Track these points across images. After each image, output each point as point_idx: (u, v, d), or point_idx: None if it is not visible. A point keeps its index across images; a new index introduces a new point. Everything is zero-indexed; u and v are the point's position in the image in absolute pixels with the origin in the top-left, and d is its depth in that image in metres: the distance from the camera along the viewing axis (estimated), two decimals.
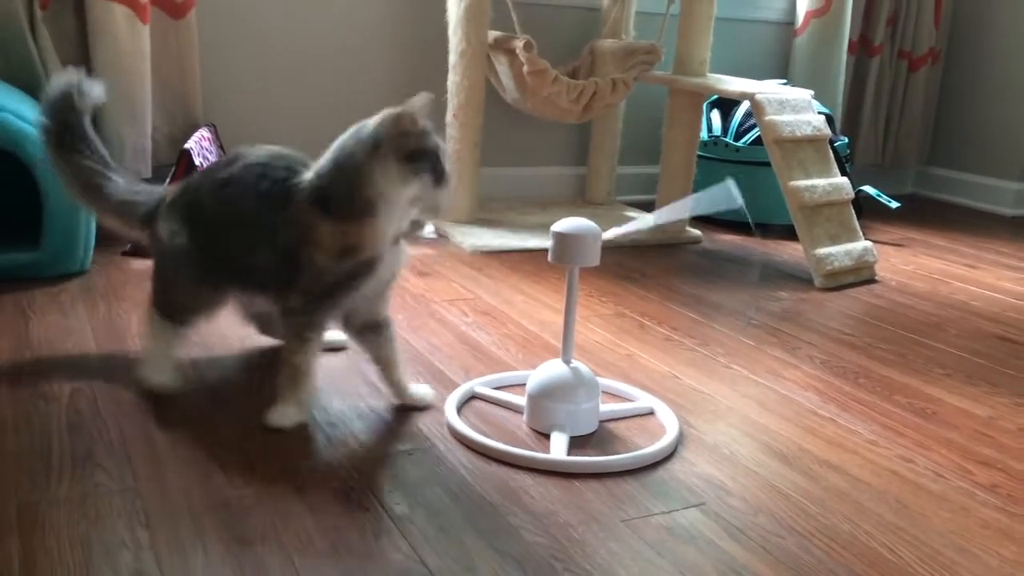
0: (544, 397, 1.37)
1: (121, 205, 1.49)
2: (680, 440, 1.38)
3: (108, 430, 1.30)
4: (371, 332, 1.42)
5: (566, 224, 1.33)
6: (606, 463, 1.28)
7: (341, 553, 1.04)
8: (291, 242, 1.31)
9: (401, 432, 1.36)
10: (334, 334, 1.51)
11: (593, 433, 1.39)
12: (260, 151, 1.40)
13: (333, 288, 1.32)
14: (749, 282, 1.83)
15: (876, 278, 2.40)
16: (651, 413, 1.48)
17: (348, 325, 1.42)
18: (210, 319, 1.46)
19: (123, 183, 1.51)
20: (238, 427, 1.34)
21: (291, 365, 1.35)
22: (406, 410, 1.43)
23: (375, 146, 1.27)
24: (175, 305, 1.43)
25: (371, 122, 1.29)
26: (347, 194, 1.28)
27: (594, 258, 1.33)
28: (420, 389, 1.46)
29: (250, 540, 1.06)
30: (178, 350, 1.47)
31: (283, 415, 1.34)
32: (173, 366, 1.45)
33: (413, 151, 1.27)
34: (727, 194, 1.31)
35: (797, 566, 1.08)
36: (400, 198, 1.29)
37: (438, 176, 1.30)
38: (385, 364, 1.44)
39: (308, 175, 1.34)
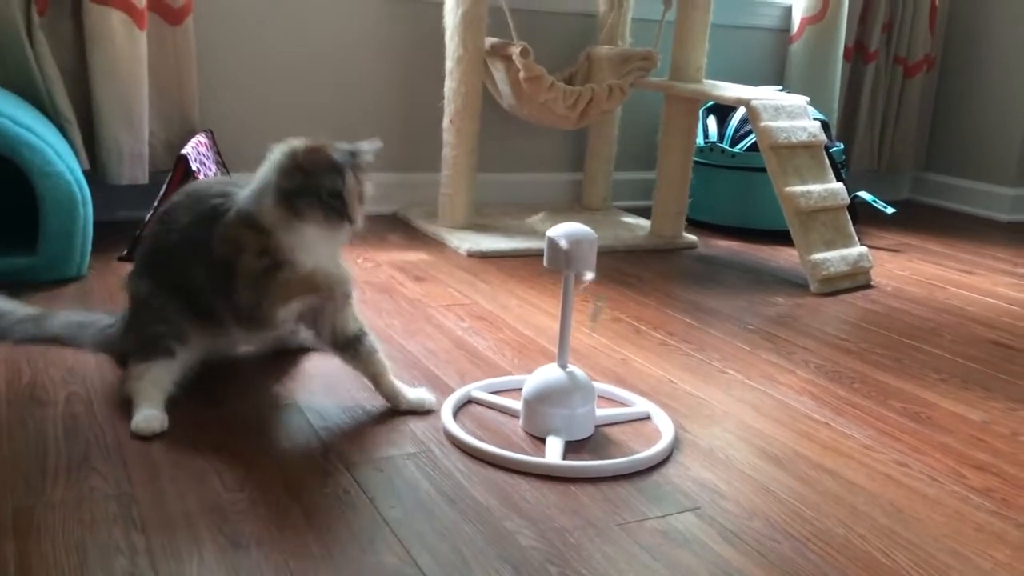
0: (540, 402, 1.38)
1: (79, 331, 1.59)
2: (675, 444, 1.39)
3: (104, 434, 1.30)
4: (350, 348, 1.43)
5: (562, 230, 1.33)
6: (602, 467, 1.29)
7: (336, 557, 1.04)
8: (225, 255, 1.36)
9: (397, 436, 1.36)
10: None
11: (589, 437, 1.39)
12: (201, 181, 1.50)
13: (259, 279, 1.35)
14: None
15: (872, 283, 2.41)
16: (647, 418, 1.48)
17: (324, 342, 1.45)
18: (189, 350, 1.42)
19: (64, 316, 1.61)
20: (233, 431, 1.34)
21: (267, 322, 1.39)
22: (402, 414, 1.43)
23: (274, 178, 1.33)
24: (151, 337, 1.40)
25: (275, 154, 1.35)
26: (258, 213, 1.34)
27: (590, 264, 1.33)
28: (417, 394, 1.46)
29: (245, 544, 1.06)
30: (164, 391, 1.37)
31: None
32: (162, 410, 1.34)
33: (292, 190, 1.31)
34: None
35: (792, 570, 1.08)
36: (293, 231, 1.33)
37: (328, 216, 1.32)
38: (374, 377, 1.44)
39: (240, 194, 1.39)
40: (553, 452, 1.31)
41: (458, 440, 1.34)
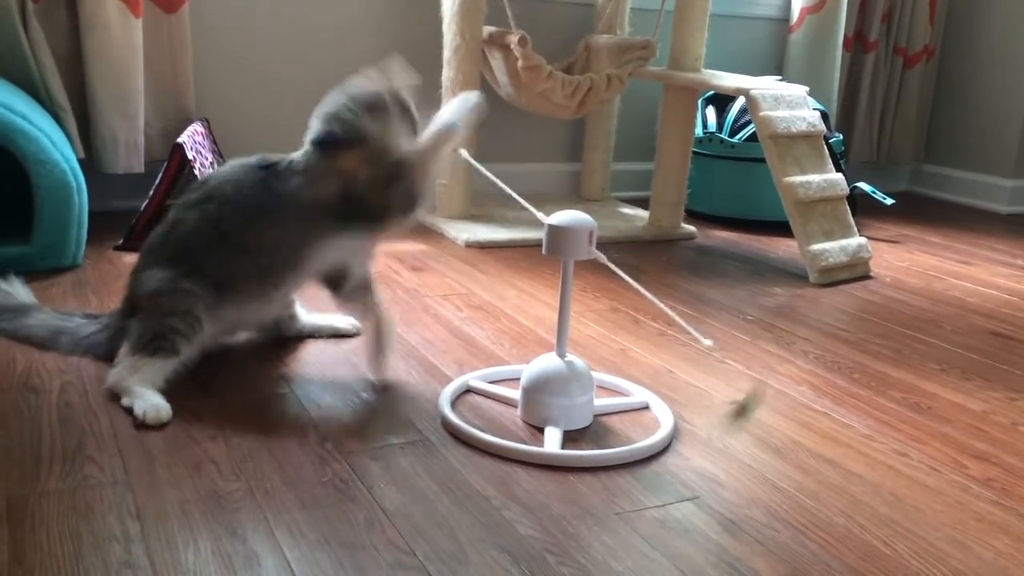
0: (538, 391, 1.37)
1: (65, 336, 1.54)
2: (674, 434, 1.38)
3: (99, 423, 1.29)
4: (364, 295, 1.50)
5: (560, 217, 1.32)
6: (600, 457, 1.28)
7: (332, 545, 1.04)
8: (324, 193, 1.42)
9: (394, 425, 1.35)
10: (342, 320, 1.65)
11: (587, 427, 1.38)
12: (224, 166, 1.50)
13: (390, 178, 1.43)
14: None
15: (871, 274, 2.40)
16: (646, 407, 1.47)
17: (336, 290, 1.50)
18: (192, 348, 1.42)
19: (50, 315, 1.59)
20: (229, 420, 1.33)
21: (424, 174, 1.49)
22: (400, 403, 1.42)
23: (375, 106, 1.47)
24: (162, 331, 1.38)
25: (366, 87, 1.51)
26: (357, 131, 1.44)
27: (588, 251, 1.32)
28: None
29: (241, 533, 1.05)
30: (156, 388, 1.36)
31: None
32: (162, 397, 1.34)
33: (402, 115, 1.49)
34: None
35: (791, 559, 1.08)
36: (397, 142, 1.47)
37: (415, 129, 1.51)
38: (380, 332, 1.50)
39: (296, 155, 1.46)
40: (551, 441, 1.31)
41: (456, 429, 1.33)
